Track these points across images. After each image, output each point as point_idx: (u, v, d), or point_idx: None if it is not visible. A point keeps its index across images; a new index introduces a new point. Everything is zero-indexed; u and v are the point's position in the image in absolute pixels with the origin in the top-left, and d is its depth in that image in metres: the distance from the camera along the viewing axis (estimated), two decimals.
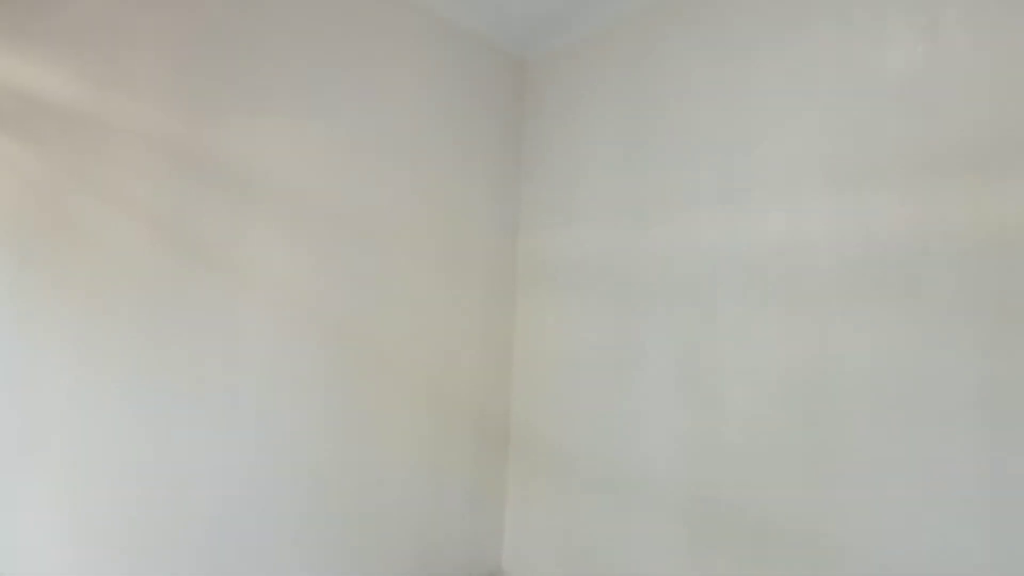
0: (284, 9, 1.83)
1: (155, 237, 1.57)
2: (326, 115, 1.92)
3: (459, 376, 2.36)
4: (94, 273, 1.48)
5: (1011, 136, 1.30)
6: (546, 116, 2.48)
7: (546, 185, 2.44)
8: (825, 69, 1.61)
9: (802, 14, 1.67)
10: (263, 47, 1.78)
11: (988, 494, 1.31)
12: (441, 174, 2.25)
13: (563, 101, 2.41)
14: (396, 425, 2.15)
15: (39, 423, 1.41)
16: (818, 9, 1.64)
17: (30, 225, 1.40)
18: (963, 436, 1.35)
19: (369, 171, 2.03)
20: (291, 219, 1.83)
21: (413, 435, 2.21)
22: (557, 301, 2.40)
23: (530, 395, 2.56)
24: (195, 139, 1.65)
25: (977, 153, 1.35)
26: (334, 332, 1.94)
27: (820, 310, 1.59)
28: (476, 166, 2.38)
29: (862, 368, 1.50)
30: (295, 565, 1.91)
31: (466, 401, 2.42)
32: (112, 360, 1.50)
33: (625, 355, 2.12)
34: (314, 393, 1.89)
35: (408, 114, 2.15)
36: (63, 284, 1.44)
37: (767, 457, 1.72)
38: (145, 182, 1.56)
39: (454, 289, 2.29)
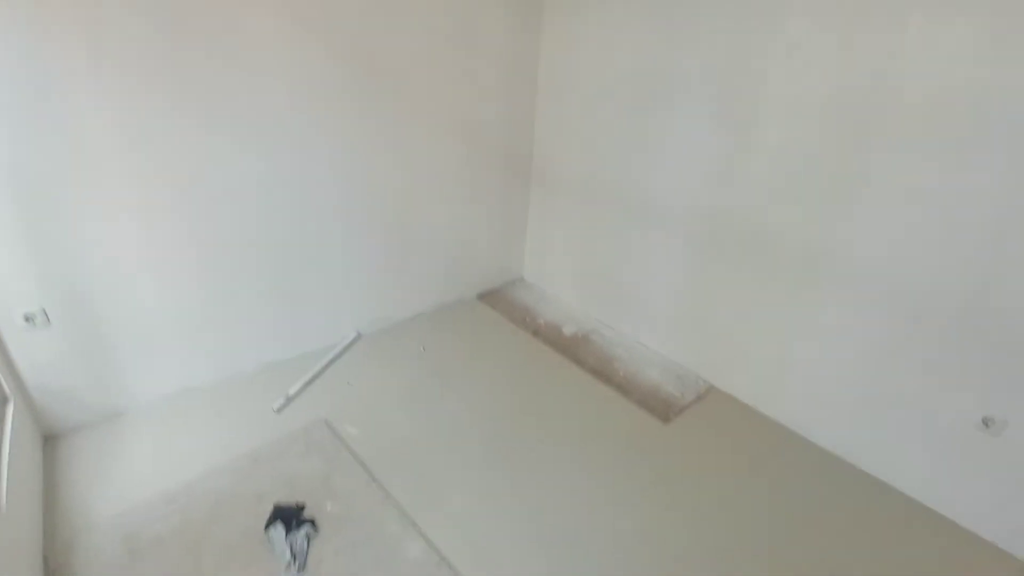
0: None
1: None
2: None
3: (482, 100, 2.42)
4: None
5: None
6: None
7: None
8: None
9: None
10: None
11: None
12: None
13: None
14: (423, 147, 2.30)
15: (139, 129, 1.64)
16: None
17: None
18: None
19: None
20: None
21: (439, 158, 2.38)
22: (588, 21, 2.28)
23: (554, 120, 2.59)
24: None
25: None
26: (365, 59, 2.00)
27: (892, 21, 1.48)
28: None
29: (920, 91, 1.47)
30: (338, 274, 2.26)
31: (489, 125, 2.51)
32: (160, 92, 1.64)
33: (661, 80, 2.07)
34: (345, 117, 2.05)
35: None
36: None
37: (785, 184, 1.81)
38: None
39: (477, 9, 2.25)
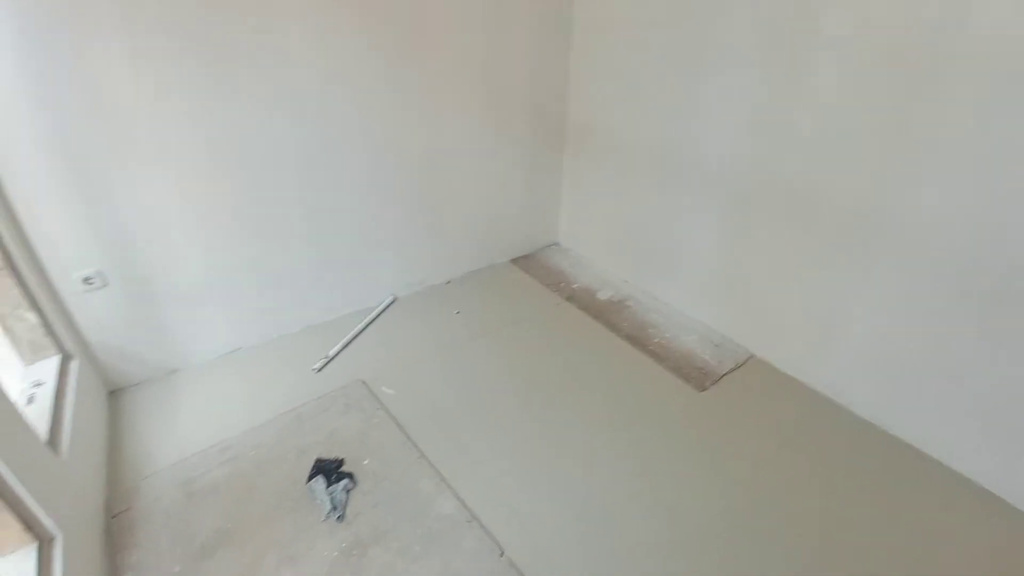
0: None
1: None
2: None
3: (514, 58, 2.39)
4: None
5: None
6: None
7: None
8: None
9: None
10: None
11: None
12: None
13: None
14: (453, 111, 2.30)
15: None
16: None
17: None
18: None
19: None
20: None
21: (470, 121, 2.38)
22: None
23: (590, 77, 2.52)
24: None
25: None
26: (393, 17, 1.97)
27: None
28: None
29: (992, 33, 1.32)
30: (374, 238, 2.35)
31: (522, 85, 2.48)
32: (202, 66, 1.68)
33: (704, 28, 1.96)
34: (377, 78, 2.03)
35: None
36: None
37: (836, 139, 1.71)
38: None
39: None
